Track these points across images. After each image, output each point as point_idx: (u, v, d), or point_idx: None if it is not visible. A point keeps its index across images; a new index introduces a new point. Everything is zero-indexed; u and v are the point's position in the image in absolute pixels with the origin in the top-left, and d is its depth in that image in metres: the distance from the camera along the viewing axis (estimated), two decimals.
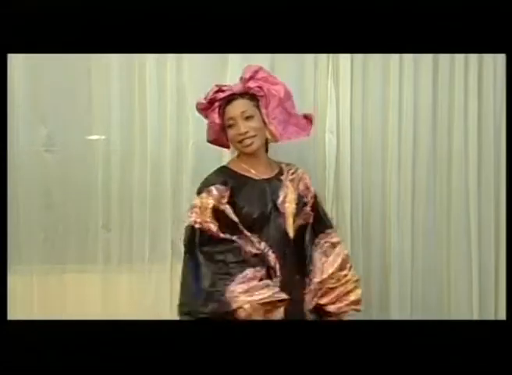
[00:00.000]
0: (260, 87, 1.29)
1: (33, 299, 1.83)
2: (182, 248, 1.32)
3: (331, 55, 1.88)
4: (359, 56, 1.89)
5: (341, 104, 1.88)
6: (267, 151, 1.43)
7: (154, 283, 1.84)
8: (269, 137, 1.34)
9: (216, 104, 1.33)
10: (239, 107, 1.29)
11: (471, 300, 2.00)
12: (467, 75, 1.95)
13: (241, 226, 1.25)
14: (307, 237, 1.39)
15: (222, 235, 1.23)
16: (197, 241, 1.23)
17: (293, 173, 1.40)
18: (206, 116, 1.39)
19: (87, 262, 1.84)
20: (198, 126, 1.74)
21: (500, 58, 1.92)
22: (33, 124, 1.83)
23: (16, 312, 1.67)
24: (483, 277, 2.01)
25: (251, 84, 1.29)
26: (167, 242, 1.83)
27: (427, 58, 1.94)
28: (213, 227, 1.23)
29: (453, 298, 2.02)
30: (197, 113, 1.50)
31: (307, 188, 1.42)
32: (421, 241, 1.99)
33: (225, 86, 1.35)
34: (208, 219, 1.24)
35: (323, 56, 1.88)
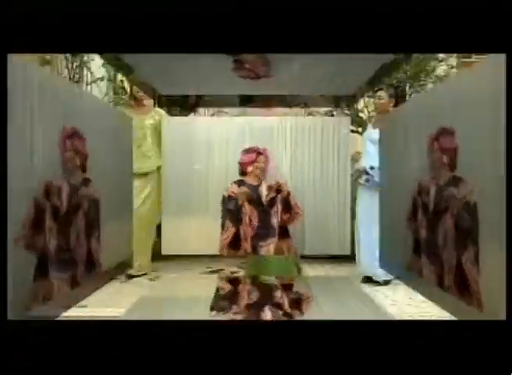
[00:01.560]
0: (266, 158, 3.01)
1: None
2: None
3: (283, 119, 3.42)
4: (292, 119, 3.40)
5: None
6: (264, 177, 3.04)
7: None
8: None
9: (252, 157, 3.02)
10: (260, 161, 2.97)
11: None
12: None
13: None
14: (274, 206, 2.83)
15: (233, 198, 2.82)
16: (226, 201, 2.79)
17: (270, 183, 2.89)
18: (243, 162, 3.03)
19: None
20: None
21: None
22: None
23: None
24: None
25: (265, 155, 3.01)
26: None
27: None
28: (233, 195, 2.78)
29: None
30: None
31: (280, 187, 2.87)
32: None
33: (255, 152, 3.01)
34: (231, 194, 2.80)
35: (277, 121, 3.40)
